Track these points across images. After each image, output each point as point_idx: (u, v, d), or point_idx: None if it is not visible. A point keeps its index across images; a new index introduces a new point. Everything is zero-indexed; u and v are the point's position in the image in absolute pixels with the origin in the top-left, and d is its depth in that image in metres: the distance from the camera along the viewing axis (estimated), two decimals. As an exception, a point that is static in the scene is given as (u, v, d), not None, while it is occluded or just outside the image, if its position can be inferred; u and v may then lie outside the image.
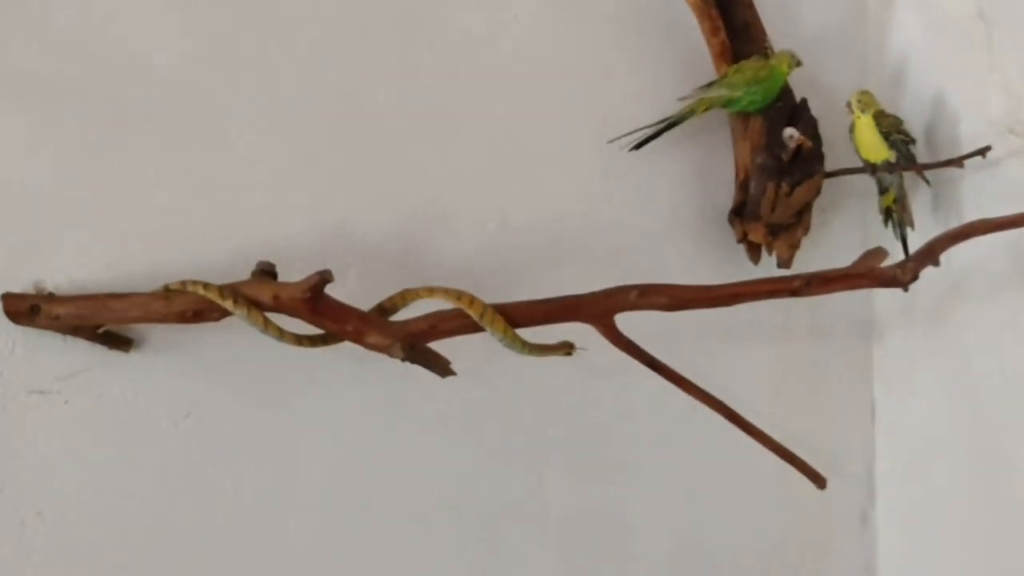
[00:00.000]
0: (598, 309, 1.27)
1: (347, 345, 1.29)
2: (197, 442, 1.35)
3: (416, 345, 1.26)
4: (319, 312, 1.26)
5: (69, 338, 1.30)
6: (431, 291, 1.30)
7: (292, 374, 1.38)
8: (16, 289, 1.27)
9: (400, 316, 1.32)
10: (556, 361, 1.34)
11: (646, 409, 1.51)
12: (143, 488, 1.33)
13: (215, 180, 1.36)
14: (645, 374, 1.34)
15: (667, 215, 1.56)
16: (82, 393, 1.31)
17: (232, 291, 1.25)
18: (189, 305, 1.26)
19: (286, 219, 1.38)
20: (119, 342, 1.31)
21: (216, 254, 1.35)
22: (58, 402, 1.30)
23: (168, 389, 1.34)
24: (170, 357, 1.34)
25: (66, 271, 1.30)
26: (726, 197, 1.56)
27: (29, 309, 1.25)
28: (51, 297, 1.26)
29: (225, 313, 1.26)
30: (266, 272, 1.29)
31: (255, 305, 1.26)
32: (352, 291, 1.34)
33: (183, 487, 1.35)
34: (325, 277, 1.24)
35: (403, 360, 1.26)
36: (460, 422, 1.46)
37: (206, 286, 1.26)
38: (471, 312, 1.27)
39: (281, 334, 1.27)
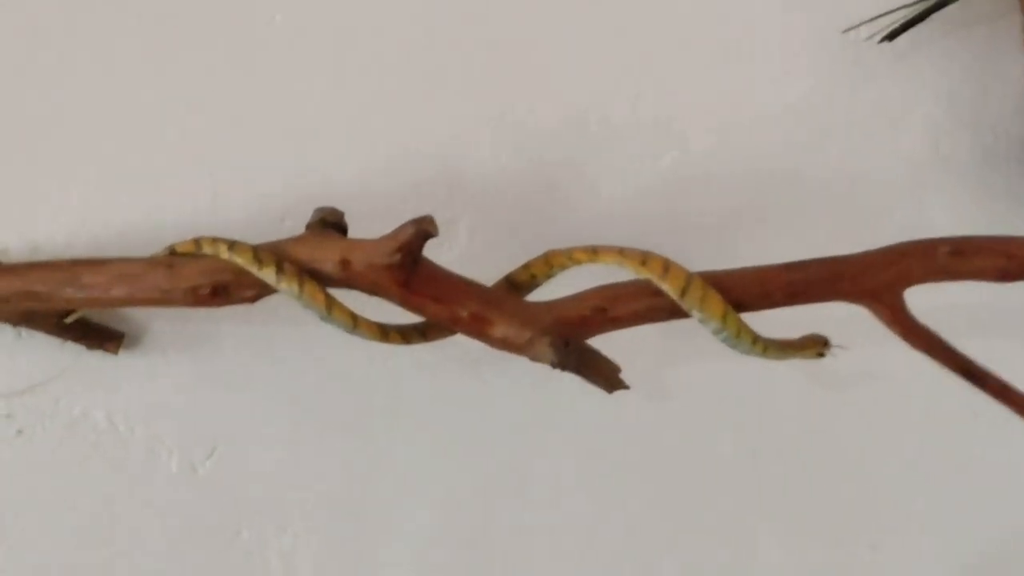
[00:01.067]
0: (880, 280, 0.76)
1: (459, 341, 0.80)
2: (227, 494, 0.87)
3: (572, 342, 0.76)
4: (415, 287, 0.77)
5: (25, 332, 0.82)
6: (594, 253, 0.80)
7: (373, 387, 0.90)
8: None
9: (540, 294, 0.82)
10: (781, 367, 0.83)
11: (921, 442, 0.99)
12: (144, 568, 0.85)
13: (256, 94, 0.87)
14: (921, 388, 0.83)
15: (928, 144, 1.03)
16: (45, 418, 0.84)
17: (274, 253, 0.77)
18: (206, 276, 0.77)
19: (362, 153, 0.89)
20: (102, 338, 0.84)
21: (255, 203, 0.87)
22: (7, 432, 0.83)
23: (181, 412, 0.86)
24: (183, 362, 0.87)
25: (21, 227, 0.83)
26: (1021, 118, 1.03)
27: (-46, 285, 0.77)
28: (-10, 266, 0.79)
29: (264, 289, 0.77)
30: (330, 224, 0.80)
31: (311, 276, 0.77)
32: (463, 255, 0.86)
33: (207, 565, 0.87)
34: (425, 228, 0.75)
35: (553, 366, 0.76)
36: (628, 455, 0.96)
37: (232, 246, 0.77)
38: (666, 286, 0.77)
39: (354, 323, 0.78)
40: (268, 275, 0.76)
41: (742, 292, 0.77)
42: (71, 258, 0.79)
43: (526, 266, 0.82)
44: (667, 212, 0.96)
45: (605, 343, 0.79)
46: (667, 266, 0.77)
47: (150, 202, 0.85)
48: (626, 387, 0.81)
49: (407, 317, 0.80)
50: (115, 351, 0.84)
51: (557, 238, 0.87)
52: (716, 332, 0.77)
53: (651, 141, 0.96)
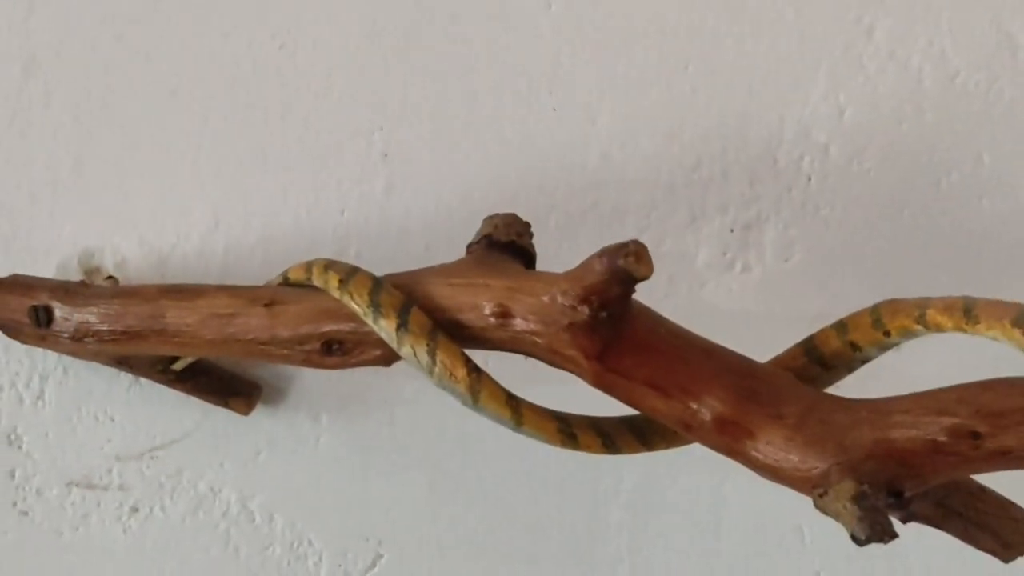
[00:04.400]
0: None
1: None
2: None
3: (907, 493, 0.39)
4: (616, 361, 0.44)
5: (144, 381, 0.61)
6: (969, 316, 0.41)
7: (609, 492, 0.58)
8: (46, 264, 0.60)
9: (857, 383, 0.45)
10: None
11: None
12: None
13: (443, 48, 0.58)
14: None
15: None
16: (165, 493, 0.62)
17: (404, 295, 0.47)
18: (314, 323, 0.50)
19: (607, 114, 0.57)
20: (228, 391, 0.60)
21: (447, 195, 0.58)
22: (120, 508, 0.62)
23: (335, 502, 0.61)
24: (341, 430, 0.61)
25: (145, 232, 0.61)
26: None
27: (32, 315, 0.56)
28: (77, 289, 0.57)
29: (389, 353, 0.48)
30: (501, 245, 0.49)
31: (453, 335, 0.46)
32: (766, 283, 0.58)
33: None
34: (623, 268, 0.41)
35: (857, 540, 0.40)
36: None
37: (349, 277, 0.49)
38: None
39: (518, 416, 0.46)
40: (386, 329, 0.47)
41: None
42: (161, 284, 0.56)
43: (842, 326, 0.45)
44: None
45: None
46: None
47: (300, 196, 0.59)
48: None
49: (614, 408, 0.46)
50: (245, 411, 0.60)
51: (939, 262, 0.50)
52: None
53: None
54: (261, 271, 0.58)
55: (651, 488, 0.58)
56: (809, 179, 0.56)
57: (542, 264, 0.51)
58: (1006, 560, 0.45)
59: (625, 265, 0.41)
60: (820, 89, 0.56)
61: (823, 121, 0.56)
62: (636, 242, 0.42)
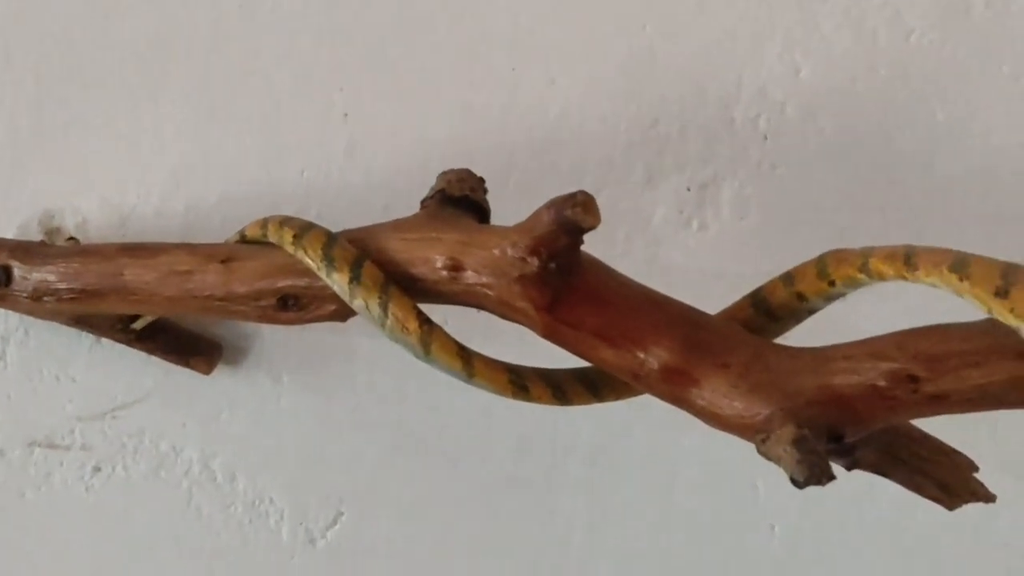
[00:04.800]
0: None
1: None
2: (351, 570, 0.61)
3: (848, 438, 0.40)
4: (566, 313, 0.45)
5: (105, 342, 0.61)
6: (909, 264, 0.41)
7: (570, 446, 0.58)
8: (6, 225, 0.60)
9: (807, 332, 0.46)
10: None
11: None
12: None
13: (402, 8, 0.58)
14: None
15: None
16: (127, 453, 0.62)
17: (358, 249, 0.47)
18: (269, 279, 0.50)
19: (567, 78, 0.58)
20: (189, 351, 0.60)
21: (408, 153, 0.58)
22: (83, 467, 0.62)
23: (296, 461, 0.61)
24: (301, 390, 0.61)
25: (105, 192, 0.61)
26: None
27: (-10, 274, 0.57)
28: (36, 248, 0.57)
29: (344, 308, 0.49)
30: (455, 201, 0.49)
31: (406, 288, 0.46)
32: (721, 240, 0.58)
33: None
34: (571, 219, 0.42)
35: (797, 483, 0.40)
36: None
37: (303, 232, 0.49)
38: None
39: (470, 368, 0.46)
40: (339, 283, 0.47)
41: None
42: (120, 243, 0.56)
43: (788, 277, 0.46)
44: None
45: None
46: (1052, 301, 0.37)
47: (261, 156, 0.59)
48: (989, 498, 0.45)
49: (561, 358, 0.47)
50: (206, 371, 0.60)
51: (892, 219, 0.51)
52: None
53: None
54: (222, 231, 0.58)
55: (608, 444, 0.59)
56: (765, 138, 0.56)
57: (501, 223, 0.51)
58: (950, 508, 0.46)
59: (572, 215, 0.42)
60: (776, 48, 0.56)
61: (779, 80, 0.56)
62: (583, 192, 0.42)
